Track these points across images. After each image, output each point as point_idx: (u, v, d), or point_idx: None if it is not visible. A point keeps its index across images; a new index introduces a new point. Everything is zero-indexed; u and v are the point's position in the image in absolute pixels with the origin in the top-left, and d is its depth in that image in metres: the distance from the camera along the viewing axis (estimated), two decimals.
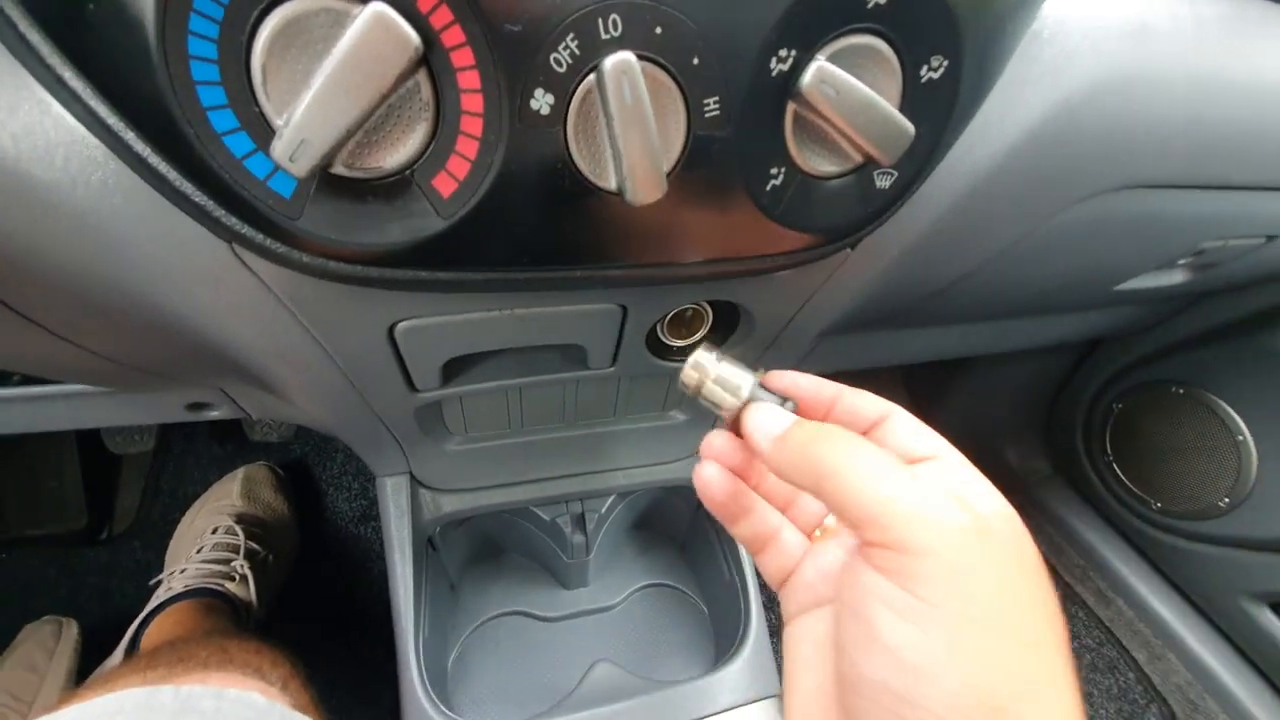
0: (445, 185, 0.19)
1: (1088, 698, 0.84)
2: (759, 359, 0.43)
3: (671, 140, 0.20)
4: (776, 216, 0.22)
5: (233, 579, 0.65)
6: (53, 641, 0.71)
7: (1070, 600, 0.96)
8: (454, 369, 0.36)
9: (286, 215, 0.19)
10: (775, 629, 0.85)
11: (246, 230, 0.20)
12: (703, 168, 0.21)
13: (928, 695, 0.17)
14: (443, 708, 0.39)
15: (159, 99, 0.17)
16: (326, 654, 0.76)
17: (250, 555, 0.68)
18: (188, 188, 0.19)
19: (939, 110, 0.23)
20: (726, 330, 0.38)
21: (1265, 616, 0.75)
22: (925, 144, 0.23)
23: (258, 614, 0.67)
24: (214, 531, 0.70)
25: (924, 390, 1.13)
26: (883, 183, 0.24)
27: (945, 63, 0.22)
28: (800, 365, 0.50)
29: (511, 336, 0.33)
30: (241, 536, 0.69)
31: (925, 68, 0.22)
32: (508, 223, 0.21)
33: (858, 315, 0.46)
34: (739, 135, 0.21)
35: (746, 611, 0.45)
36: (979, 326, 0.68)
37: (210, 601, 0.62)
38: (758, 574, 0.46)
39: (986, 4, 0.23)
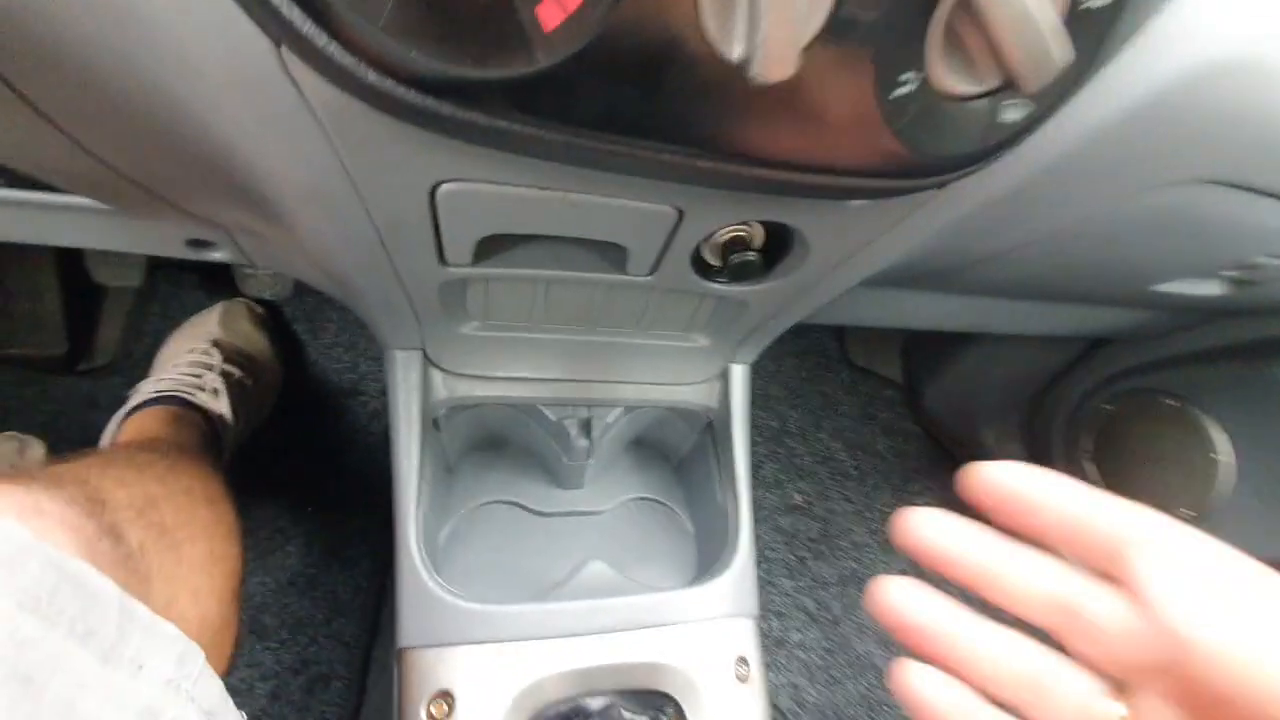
0: (550, 16, 0.17)
1: None
2: (790, 302, 0.42)
3: (811, 15, 0.18)
4: (897, 129, 0.20)
5: (204, 390, 0.65)
6: (16, 459, 0.71)
7: None
8: (487, 248, 0.34)
9: (365, 15, 0.16)
10: (760, 556, 0.89)
11: (309, 29, 0.17)
12: (836, 54, 0.18)
13: None
14: (439, 579, 0.40)
15: None
16: (308, 518, 0.78)
17: (225, 375, 0.68)
18: None
19: (1091, 43, 0.21)
20: (772, 260, 0.37)
21: None
22: (1068, 79, 0.21)
23: (237, 430, 0.67)
24: (190, 352, 0.69)
25: (919, 360, 1.14)
26: (1009, 115, 0.22)
27: None
28: (809, 316, 0.49)
29: (557, 223, 0.31)
30: (217, 357, 0.68)
31: None
32: (608, 78, 0.18)
33: (902, 268, 0.44)
34: (883, 25, 0.18)
35: (736, 534, 0.46)
36: (1002, 303, 0.68)
37: (179, 411, 0.61)
38: (752, 502, 0.48)
39: None
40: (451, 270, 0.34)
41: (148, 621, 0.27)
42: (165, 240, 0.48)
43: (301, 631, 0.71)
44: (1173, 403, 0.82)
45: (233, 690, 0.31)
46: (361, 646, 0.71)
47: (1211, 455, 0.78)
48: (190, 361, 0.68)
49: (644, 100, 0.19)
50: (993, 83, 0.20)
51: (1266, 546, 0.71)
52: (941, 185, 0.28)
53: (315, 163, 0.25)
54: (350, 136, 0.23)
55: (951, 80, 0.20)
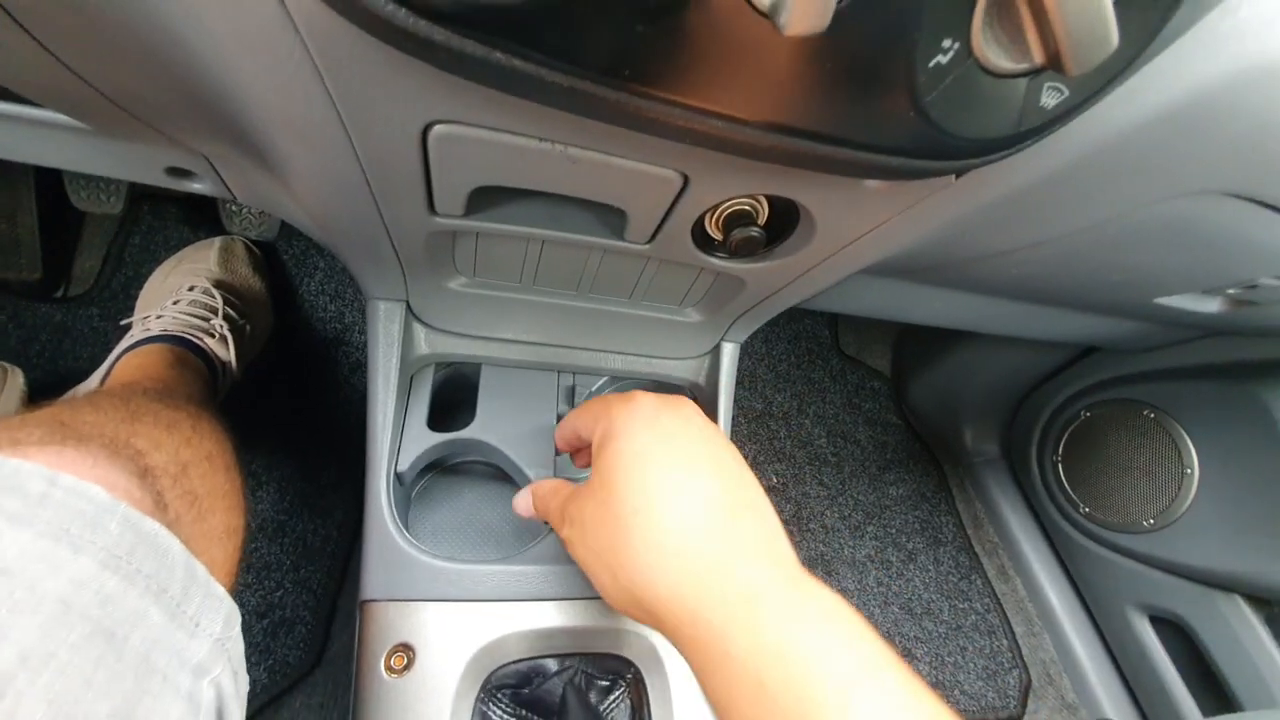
0: None
1: (962, 651, 0.94)
2: (790, 283, 0.41)
3: None
4: (928, 101, 0.19)
5: (212, 336, 0.62)
6: None
7: (974, 570, 1.04)
8: (480, 200, 0.32)
9: None
10: None
11: None
12: (874, 11, 0.17)
13: None
14: (407, 535, 0.39)
15: None
16: (282, 465, 0.77)
17: (229, 319, 0.65)
18: None
19: (1145, 30, 0.20)
20: (776, 237, 0.35)
21: (1142, 625, 0.83)
22: (1115, 65, 0.20)
23: (235, 376, 0.65)
24: (190, 289, 0.66)
25: (908, 353, 1.15)
26: (1048, 100, 0.20)
27: None
28: (805, 301, 0.48)
29: (554, 179, 0.29)
30: (219, 300, 0.65)
31: None
32: (621, 14, 0.16)
33: (903, 259, 0.43)
34: None
35: None
36: (999, 304, 0.67)
37: (181, 353, 0.59)
38: None
39: None
40: (441, 220, 0.32)
41: (205, 581, 0.28)
42: (143, 165, 0.45)
43: (268, 576, 0.71)
44: (1151, 414, 0.82)
45: None
46: (328, 594, 0.71)
47: (1182, 469, 0.79)
48: (193, 301, 0.64)
49: (658, 45, 0.17)
50: (1035, 61, 0.19)
51: (1219, 560, 0.74)
52: (962, 171, 0.26)
53: (298, 90, 0.23)
54: (337, 62, 0.22)
55: (993, 53, 0.19)
